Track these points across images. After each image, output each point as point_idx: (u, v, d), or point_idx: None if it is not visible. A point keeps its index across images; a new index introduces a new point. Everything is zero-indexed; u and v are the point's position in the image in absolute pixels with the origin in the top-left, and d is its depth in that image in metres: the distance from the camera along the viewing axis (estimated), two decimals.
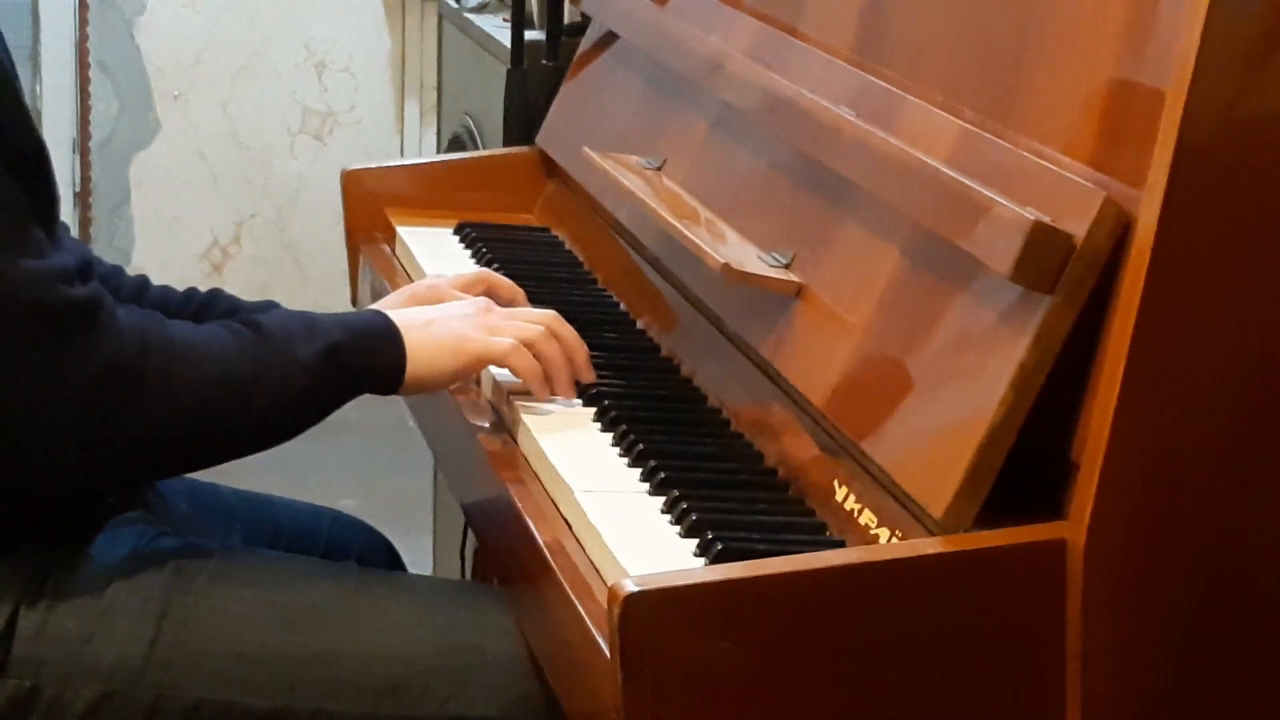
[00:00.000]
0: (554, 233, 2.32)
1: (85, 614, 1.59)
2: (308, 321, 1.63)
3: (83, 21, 4.30)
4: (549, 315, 1.76)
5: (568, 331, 1.76)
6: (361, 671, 1.59)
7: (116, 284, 1.87)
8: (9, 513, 1.59)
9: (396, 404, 1.89)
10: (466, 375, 1.72)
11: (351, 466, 3.99)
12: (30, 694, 1.57)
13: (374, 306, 1.86)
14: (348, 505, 2.08)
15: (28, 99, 1.63)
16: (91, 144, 4.35)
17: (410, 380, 1.67)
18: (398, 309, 1.72)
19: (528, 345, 1.72)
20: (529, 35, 2.78)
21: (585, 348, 1.79)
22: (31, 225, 1.53)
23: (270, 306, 1.91)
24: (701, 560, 1.45)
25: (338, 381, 1.63)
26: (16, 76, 1.58)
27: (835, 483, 1.53)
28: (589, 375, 1.76)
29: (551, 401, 1.74)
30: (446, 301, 1.79)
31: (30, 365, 1.50)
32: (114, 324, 1.53)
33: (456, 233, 2.31)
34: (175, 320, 1.60)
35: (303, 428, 1.64)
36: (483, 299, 1.77)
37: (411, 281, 2.17)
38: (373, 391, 1.67)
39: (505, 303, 1.87)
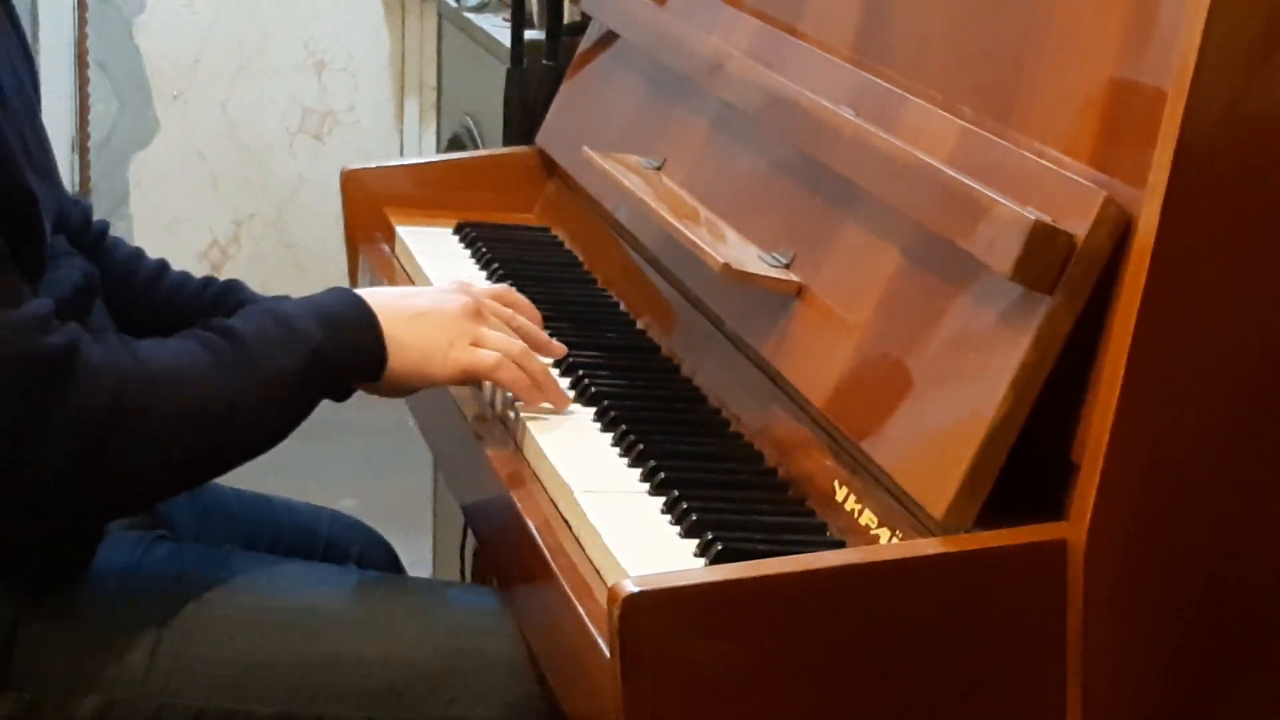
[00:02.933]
0: (554, 233, 2.32)
1: (86, 624, 1.59)
2: (285, 322, 1.59)
3: (82, 21, 4.30)
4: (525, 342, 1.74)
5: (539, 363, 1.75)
6: (363, 676, 1.59)
7: (135, 268, 1.88)
8: (6, 529, 1.58)
9: (397, 404, 1.88)
10: (450, 384, 1.68)
11: (351, 466, 3.99)
12: (32, 706, 1.57)
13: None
14: (347, 505, 2.08)
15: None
16: (91, 144, 4.35)
17: (391, 376, 1.64)
18: (383, 292, 1.67)
19: (518, 361, 1.69)
20: (529, 35, 2.77)
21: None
22: (8, 271, 1.51)
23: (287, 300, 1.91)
24: (701, 560, 1.45)
25: (321, 385, 1.61)
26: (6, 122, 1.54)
27: (835, 483, 1.53)
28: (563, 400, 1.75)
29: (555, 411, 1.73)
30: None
31: (10, 415, 1.48)
32: (90, 367, 1.50)
33: (456, 233, 2.31)
34: (146, 342, 1.57)
35: (288, 432, 1.62)
36: (467, 298, 1.71)
37: (411, 283, 2.17)
38: (358, 382, 1.64)
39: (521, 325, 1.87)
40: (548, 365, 1.76)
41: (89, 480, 1.51)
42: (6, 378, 1.48)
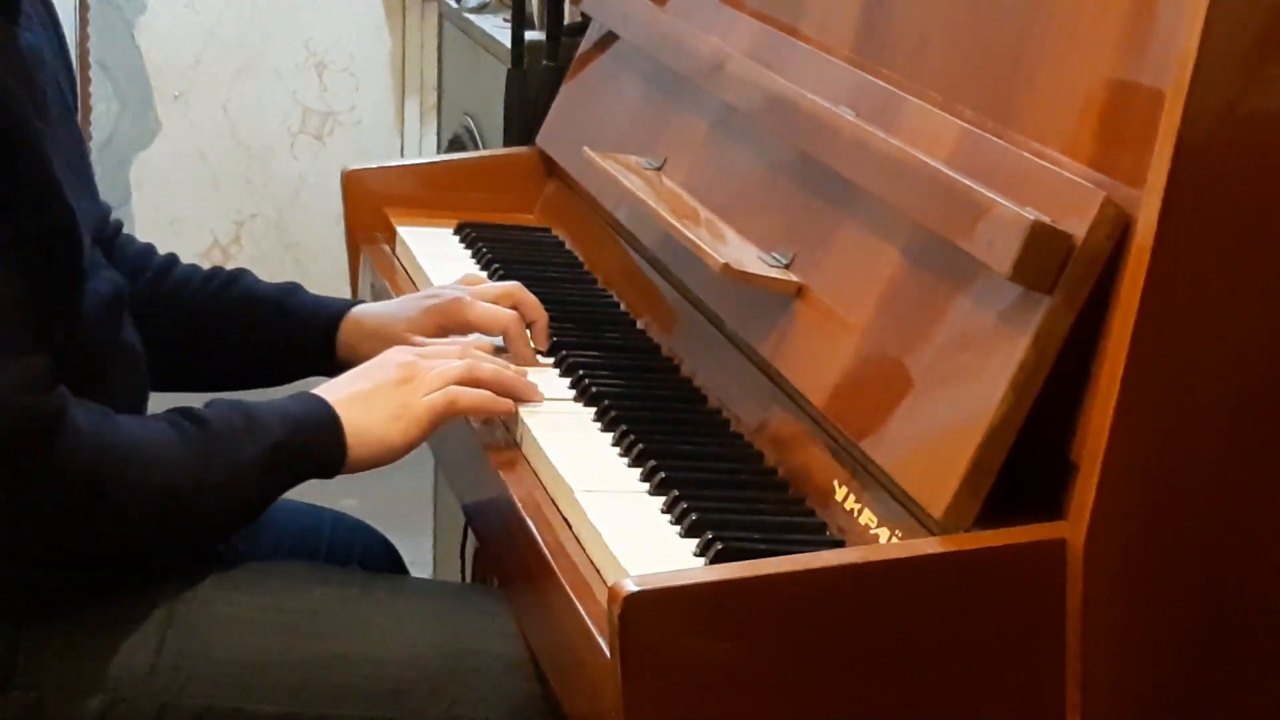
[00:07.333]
0: (554, 233, 2.32)
1: (89, 624, 1.59)
2: (250, 417, 1.62)
3: (83, 21, 4.30)
4: (468, 341, 1.77)
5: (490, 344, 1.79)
6: (366, 676, 1.59)
7: (144, 264, 1.91)
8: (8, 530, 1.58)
9: None
10: (421, 441, 1.70)
11: None
12: (36, 706, 1.57)
13: (377, 313, 1.90)
14: (348, 506, 2.08)
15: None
16: (92, 144, 4.35)
17: (355, 464, 1.66)
18: (335, 386, 1.69)
19: (464, 380, 1.69)
20: (529, 35, 2.77)
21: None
22: (16, 321, 1.51)
23: (294, 289, 1.92)
24: (701, 560, 1.45)
25: (280, 477, 1.64)
26: (42, 145, 1.54)
27: (835, 483, 1.53)
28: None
29: (540, 401, 1.74)
30: (437, 340, 1.82)
31: None
32: (73, 433, 1.52)
33: (456, 233, 2.31)
34: (124, 418, 1.59)
35: (249, 521, 1.66)
36: (401, 358, 1.72)
37: (412, 282, 2.17)
38: (316, 477, 1.67)
39: (529, 323, 1.88)
40: (503, 365, 1.75)
41: (69, 536, 1.54)
42: None
